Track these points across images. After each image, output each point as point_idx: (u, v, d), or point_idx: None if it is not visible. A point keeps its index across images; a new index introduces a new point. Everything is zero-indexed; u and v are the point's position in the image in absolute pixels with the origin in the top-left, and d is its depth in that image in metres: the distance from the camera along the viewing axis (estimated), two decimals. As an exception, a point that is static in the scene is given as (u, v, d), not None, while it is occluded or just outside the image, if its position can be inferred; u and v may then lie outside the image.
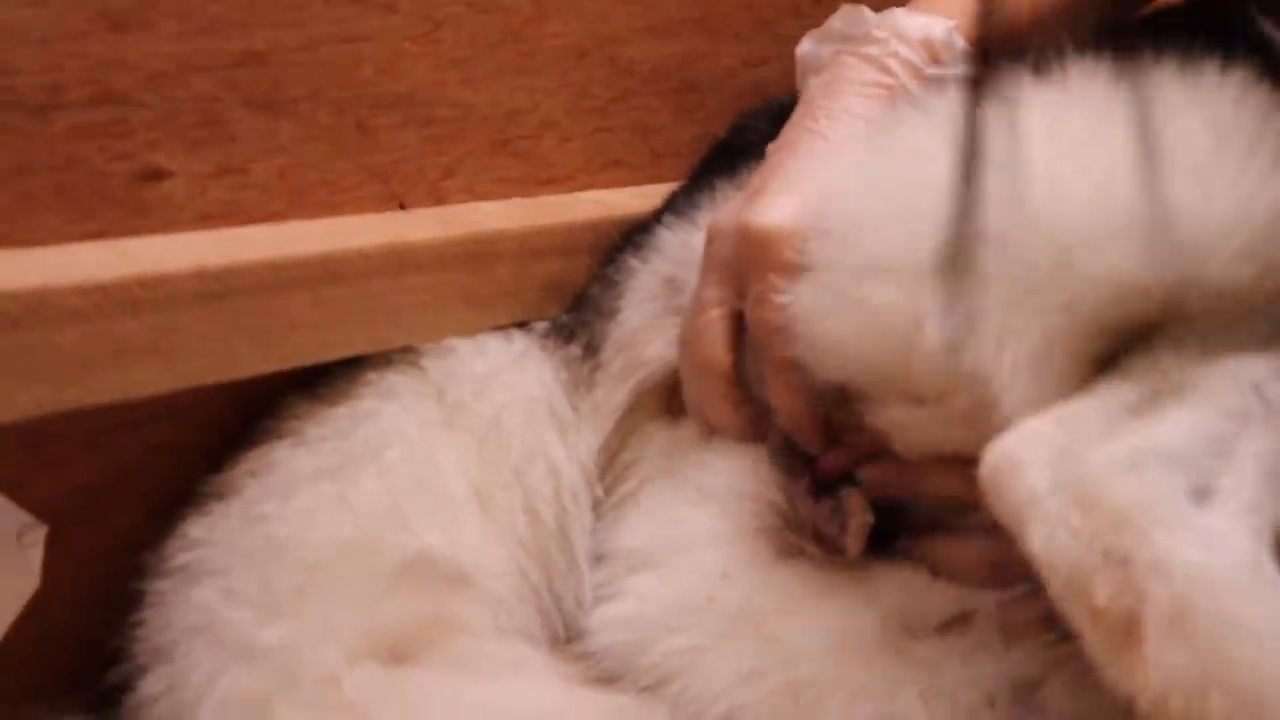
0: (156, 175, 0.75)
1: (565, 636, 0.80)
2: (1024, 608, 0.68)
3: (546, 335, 0.87)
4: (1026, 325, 0.62)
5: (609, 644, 0.76)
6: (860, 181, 0.73)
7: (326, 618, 0.70)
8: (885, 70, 0.79)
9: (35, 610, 0.73)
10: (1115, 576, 0.52)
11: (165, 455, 0.78)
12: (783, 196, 0.76)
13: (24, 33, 0.69)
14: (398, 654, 0.70)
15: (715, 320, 0.78)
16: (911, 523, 0.75)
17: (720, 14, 1.06)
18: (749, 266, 0.75)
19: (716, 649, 0.72)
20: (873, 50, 0.80)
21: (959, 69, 0.78)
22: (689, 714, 0.70)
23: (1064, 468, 0.56)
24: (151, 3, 0.74)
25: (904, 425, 0.71)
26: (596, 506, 0.83)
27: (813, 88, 0.82)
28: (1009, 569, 0.66)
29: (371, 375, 0.82)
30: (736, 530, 0.77)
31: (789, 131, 0.81)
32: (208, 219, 0.78)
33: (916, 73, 0.79)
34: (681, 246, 0.85)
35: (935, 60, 0.79)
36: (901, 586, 0.72)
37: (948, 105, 0.71)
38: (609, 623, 0.76)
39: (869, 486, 0.75)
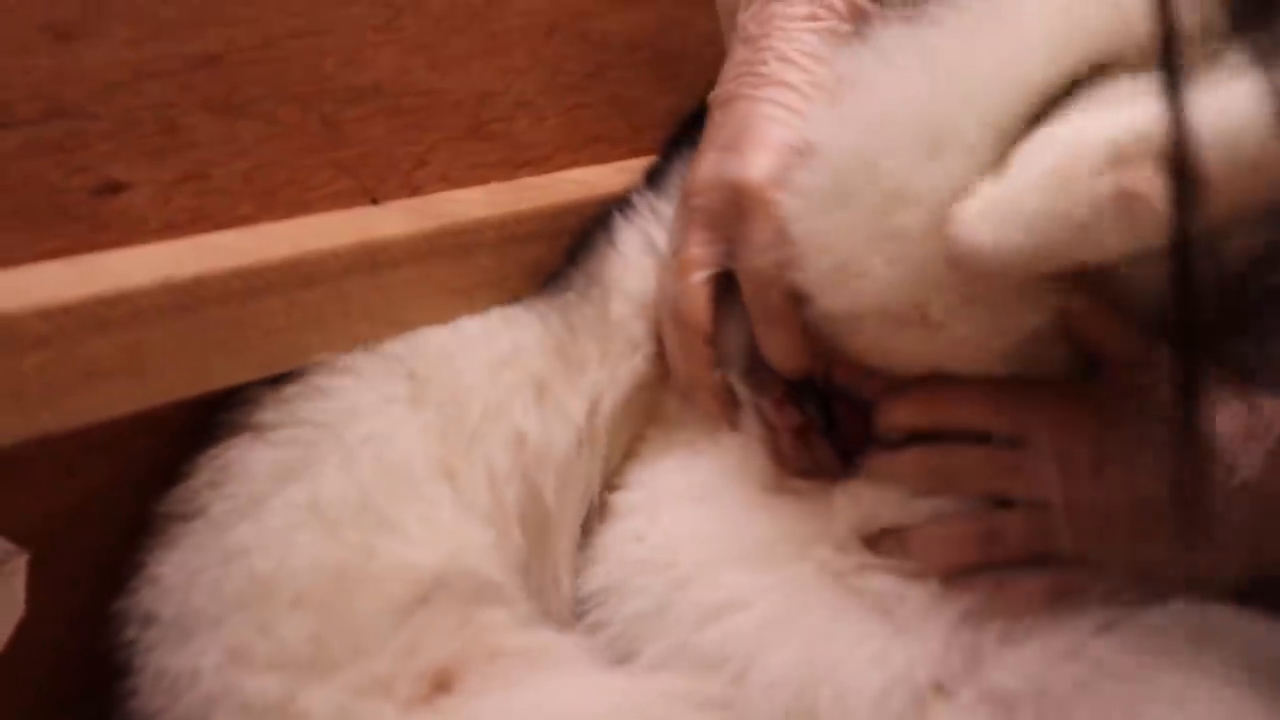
0: (116, 188, 0.73)
1: (572, 608, 0.79)
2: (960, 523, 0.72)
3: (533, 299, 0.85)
4: None
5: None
6: (845, 122, 0.72)
7: (363, 669, 0.67)
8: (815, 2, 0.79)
9: (22, 636, 0.72)
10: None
11: (143, 471, 0.76)
12: (763, 149, 0.75)
13: (-35, 52, 0.68)
14: (440, 684, 0.68)
15: (700, 282, 0.77)
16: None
17: (693, -21, 1.03)
18: (740, 221, 0.75)
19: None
20: None
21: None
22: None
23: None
24: (99, 10, 0.72)
25: (904, 350, 0.72)
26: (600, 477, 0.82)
27: (747, 27, 0.81)
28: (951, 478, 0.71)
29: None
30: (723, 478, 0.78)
31: (737, 78, 0.80)
32: (173, 228, 0.76)
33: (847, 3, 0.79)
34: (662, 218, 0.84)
35: None
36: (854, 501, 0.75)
37: (896, 36, 0.71)
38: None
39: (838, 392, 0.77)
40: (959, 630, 0.69)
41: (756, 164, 0.75)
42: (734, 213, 0.75)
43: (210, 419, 0.78)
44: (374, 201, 0.86)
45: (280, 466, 0.75)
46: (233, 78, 0.78)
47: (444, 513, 0.76)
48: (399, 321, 0.81)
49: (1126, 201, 0.57)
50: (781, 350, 0.76)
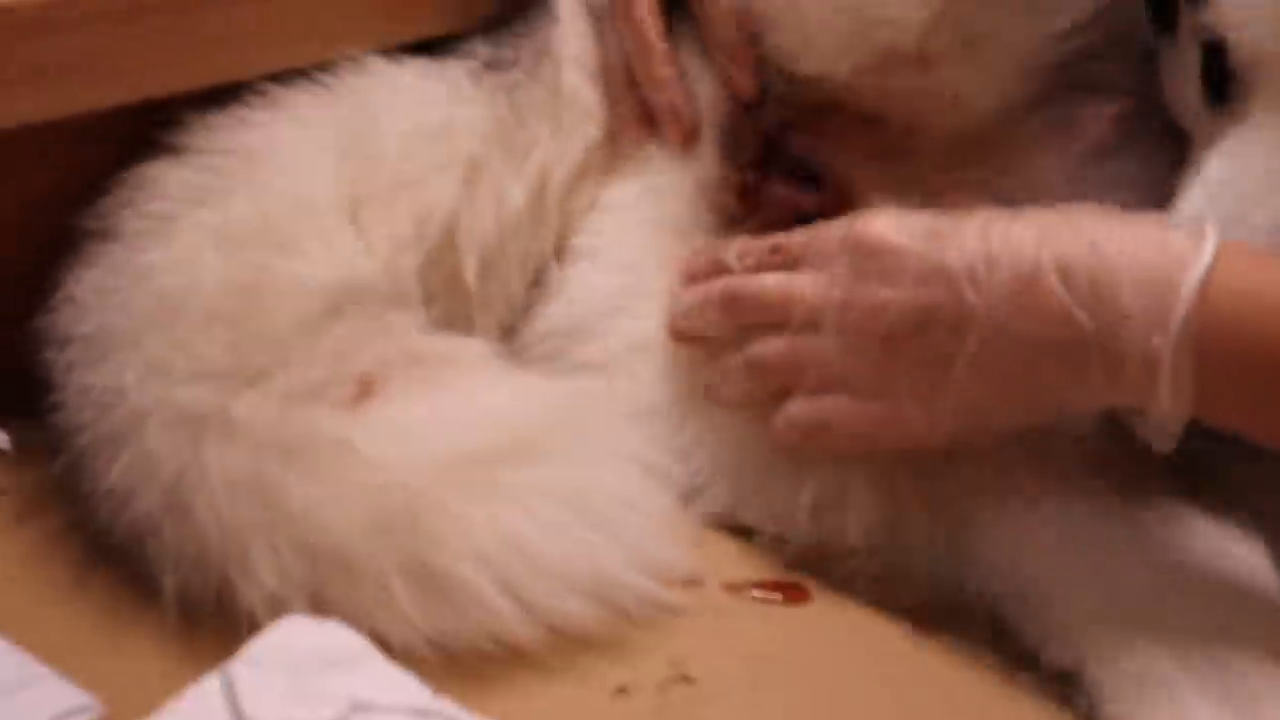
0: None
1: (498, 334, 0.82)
2: None
3: (478, 69, 0.83)
4: None
5: (547, 332, 0.80)
6: None
7: (293, 377, 0.69)
8: None
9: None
10: None
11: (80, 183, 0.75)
12: None
13: None
14: (365, 388, 0.70)
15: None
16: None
17: None
18: None
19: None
20: None
21: None
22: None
23: None
24: None
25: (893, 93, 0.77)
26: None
27: None
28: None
29: (264, 86, 0.79)
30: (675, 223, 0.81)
31: None
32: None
33: None
34: None
35: None
36: None
37: None
38: (548, 315, 0.80)
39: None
40: None
41: None
42: None
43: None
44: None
45: (194, 189, 0.75)
46: None
47: (344, 240, 0.77)
48: (338, 37, 0.80)
49: None
50: (738, 80, 0.79)
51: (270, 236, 0.74)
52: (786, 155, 0.80)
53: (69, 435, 0.69)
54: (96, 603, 0.66)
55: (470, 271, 0.80)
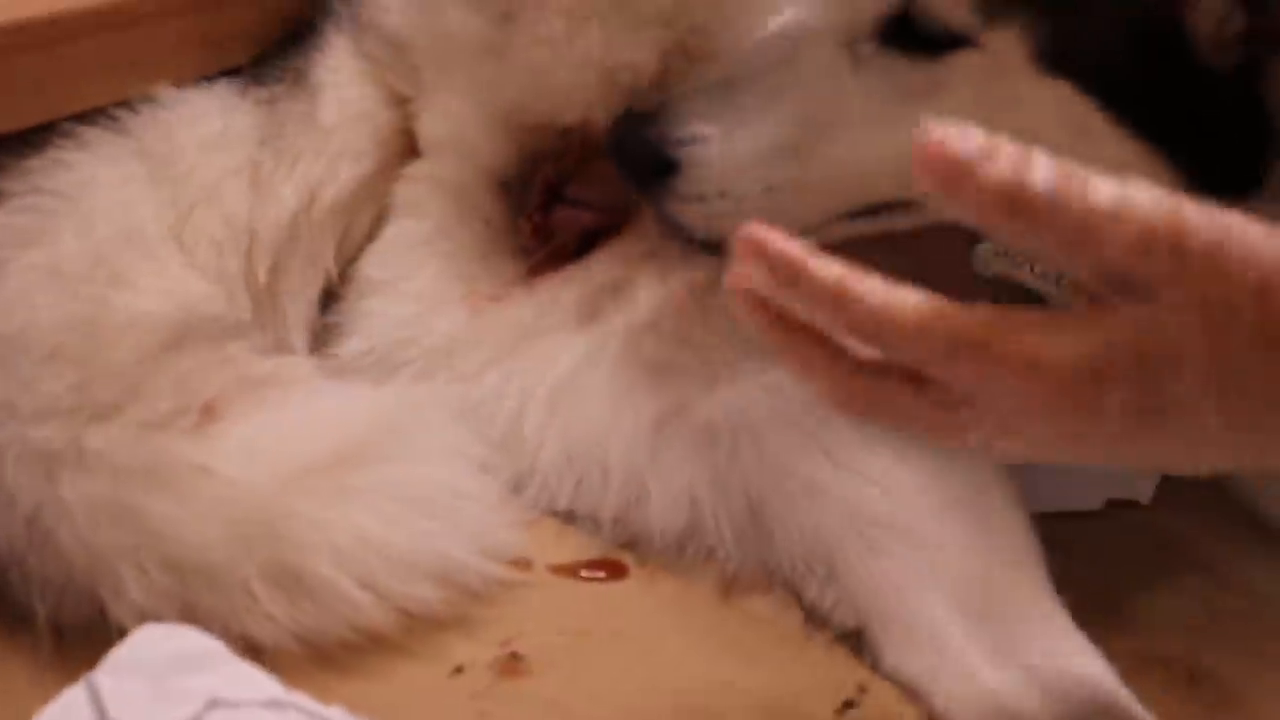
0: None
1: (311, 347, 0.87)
2: None
3: (247, 83, 0.88)
4: None
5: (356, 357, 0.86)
6: None
7: (142, 408, 0.72)
8: None
9: None
10: None
11: None
12: None
13: None
14: (209, 413, 0.73)
15: None
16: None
17: None
18: None
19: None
20: None
21: None
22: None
23: None
24: None
25: None
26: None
27: None
28: None
29: (69, 127, 0.82)
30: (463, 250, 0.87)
31: None
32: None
33: None
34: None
35: None
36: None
37: None
38: (352, 347, 0.86)
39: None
40: (669, 376, 0.79)
41: None
42: None
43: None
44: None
45: (19, 233, 0.78)
46: None
47: (173, 269, 0.81)
48: (158, 73, 0.85)
49: None
50: None
51: (102, 271, 0.78)
52: (567, 200, 0.86)
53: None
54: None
55: (263, 269, 0.85)
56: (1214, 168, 0.62)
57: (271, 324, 0.86)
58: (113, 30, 0.81)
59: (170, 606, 0.66)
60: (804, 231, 0.53)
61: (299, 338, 0.87)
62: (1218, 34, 0.62)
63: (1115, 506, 0.85)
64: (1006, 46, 0.65)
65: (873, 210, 0.72)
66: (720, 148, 0.71)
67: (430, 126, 0.88)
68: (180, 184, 0.84)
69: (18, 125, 0.79)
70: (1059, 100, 0.64)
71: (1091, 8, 0.64)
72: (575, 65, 0.82)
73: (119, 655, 0.59)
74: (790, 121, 0.70)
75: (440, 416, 0.80)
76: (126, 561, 0.67)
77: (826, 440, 0.75)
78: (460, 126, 0.86)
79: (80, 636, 0.67)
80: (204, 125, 0.86)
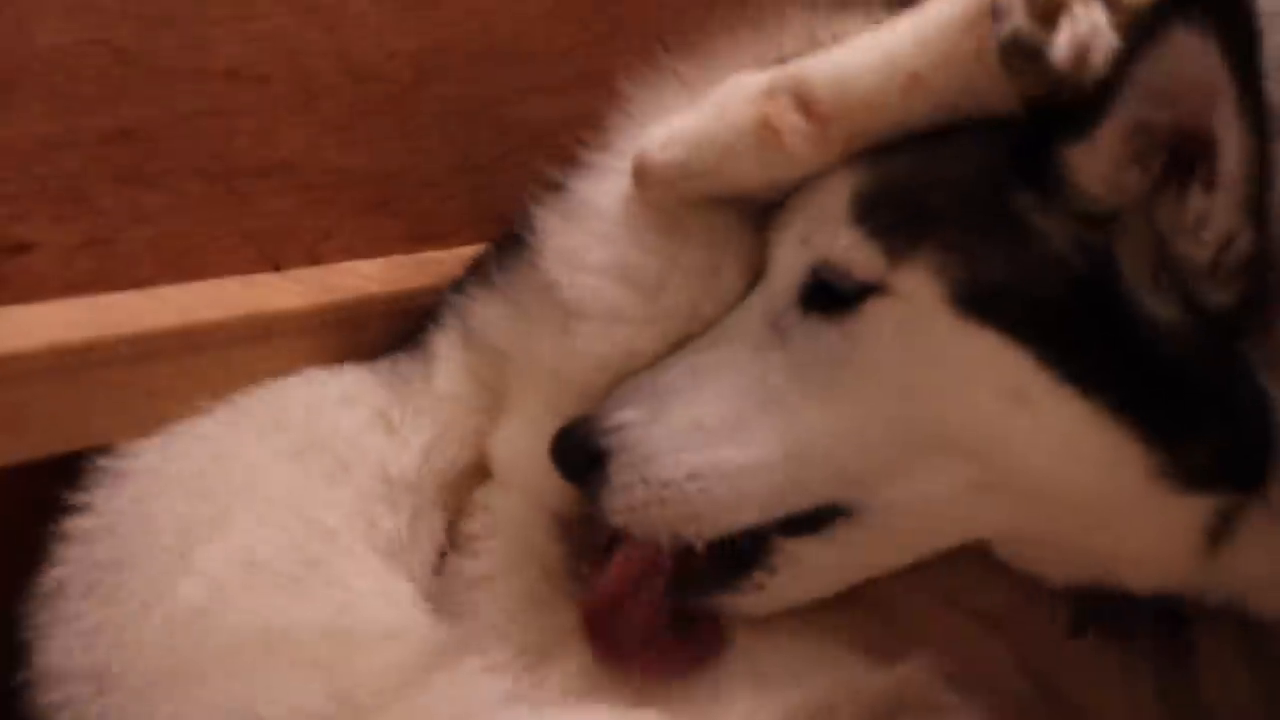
0: (20, 248, 0.78)
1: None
2: None
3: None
4: None
5: None
6: None
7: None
8: None
9: None
10: None
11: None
12: None
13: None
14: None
15: None
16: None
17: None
18: None
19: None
20: None
21: None
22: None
23: None
24: (13, 85, 0.77)
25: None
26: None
27: None
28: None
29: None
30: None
31: None
32: (74, 288, 0.81)
33: None
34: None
35: None
36: None
37: None
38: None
39: None
40: None
41: None
42: None
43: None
44: (276, 268, 0.91)
45: (181, 521, 0.77)
46: (144, 150, 0.83)
47: (369, 576, 0.80)
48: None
49: (763, 130, 0.66)
50: None
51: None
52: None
53: None
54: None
55: (401, 516, 0.84)
56: (1205, 444, 0.55)
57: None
58: (244, 344, 0.82)
59: None
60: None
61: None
62: (1217, 261, 0.54)
63: None
64: (917, 287, 0.60)
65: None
66: (643, 431, 0.69)
67: (501, 448, 0.86)
68: (328, 451, 0.84)
69: (144, 433, 0.80)
70: (988, 352, 0.58)
71: (1005, 234, 0.58)
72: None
73: None
74: (714, 401, 0.68)
75: None
76: None
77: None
78: (529, 460, 0.82)
79: None
80: (333, 383, 0.87)
